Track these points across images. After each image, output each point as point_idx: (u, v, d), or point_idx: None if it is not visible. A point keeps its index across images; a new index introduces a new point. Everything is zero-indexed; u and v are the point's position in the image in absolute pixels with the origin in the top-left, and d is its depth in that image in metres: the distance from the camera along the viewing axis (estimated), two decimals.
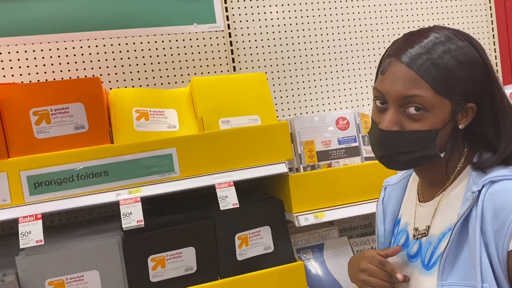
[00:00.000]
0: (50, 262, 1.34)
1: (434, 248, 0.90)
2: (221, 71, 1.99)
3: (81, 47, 1.83)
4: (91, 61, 1.84)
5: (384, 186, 1.13)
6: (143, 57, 1.90)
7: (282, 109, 2.08)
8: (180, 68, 1.95)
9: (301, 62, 2.10)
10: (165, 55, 1.93)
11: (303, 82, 2.10)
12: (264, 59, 2.05)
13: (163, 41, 1.92)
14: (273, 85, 2.06)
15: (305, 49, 2.10)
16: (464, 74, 0.82)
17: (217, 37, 1.99)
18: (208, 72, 1.98)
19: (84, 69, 1.84)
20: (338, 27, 2.15)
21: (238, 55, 2.02)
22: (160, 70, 1.93)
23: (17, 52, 1.76)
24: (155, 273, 1.45)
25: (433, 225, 0.93)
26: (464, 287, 0.81)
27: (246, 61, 2.03)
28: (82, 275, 1.37)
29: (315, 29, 2.12)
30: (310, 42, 2.11)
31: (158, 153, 1.43)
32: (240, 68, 2.02)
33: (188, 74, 1.95)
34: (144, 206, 1.39)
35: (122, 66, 1.88)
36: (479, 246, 0.79)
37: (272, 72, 2.06)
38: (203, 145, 1.47)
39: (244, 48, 2.03)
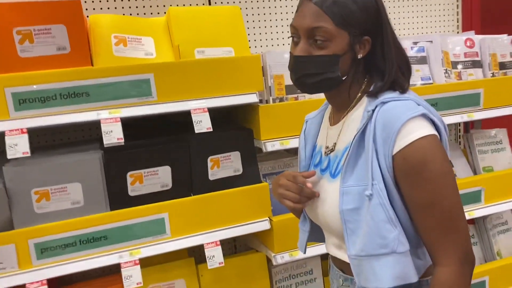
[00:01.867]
0: (36, 173, 1.45)
1: (339, 160, 1.07)
2: (196, 4, 2.05)
3: None
4: None
5: (305, 120, 1.28)
6: None
7: (256, 44, 2.17)
8: None
9: (276, 0, 2.17)
10: None
11: (279, 17, 2.18)
12: None
13: None
14: (248, 21, 2.13)
15: None
16: (359, 12, 0.99)
17: None
18: (184, 4, 2.03)
19: None
20: None
21: None
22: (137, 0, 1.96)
23: None
24: (133, 187, 1.58)
25: (339, 142, 1.10)
26: (360, 186, 0.98)
27: None
28: (65, 186, 1.49)
29: None
30: None
31: (136, 78, 1.52)
32: (215, 2, 2.08)
33: (164, 6, 1.99)
34: (125, 132, 1.49)
35: None
36: (371, 152, 0.97)
37: (247, 8, 2.12)
38: (179, 73, 1.56)
39: None
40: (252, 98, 1.68)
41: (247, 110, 1.81)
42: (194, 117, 1.55)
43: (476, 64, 2.11)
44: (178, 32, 1.66)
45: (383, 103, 0.99)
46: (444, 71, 2.05)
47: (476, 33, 2.33)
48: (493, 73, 2.12)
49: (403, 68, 1.06)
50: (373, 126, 0.98)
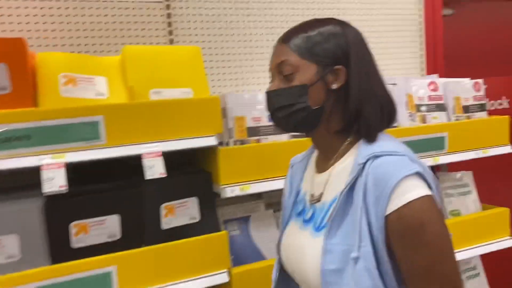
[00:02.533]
0: None
1: (325, 213, 1.00)
2: (158, 43, 1.98)
3: (9, 8, 1.75)
4: (19, 23, 1.77)
5: (291, 164, 1.23)
6: (76, 22, 1.85)
7: (218, 84, 2.11)
8: (115, 36, 1.91)
9: (240, 41, 2.13)
10: (99, 22, 1.89)
11: (238, 58, 2.14)
12: (203, 34, 2.06)
13: (98, 8, 1.88)
14: (211, 60, 2.08)
15: (244, 27, 2.13)
16: (324, 42, 0.98)
17: (154, 8, 1.97)
18: (144, 43, 1.96)
19: (12, 30, 1.76)
20: (280, 2, 2.20)
21: (176, 28, 2.01)
22: (93, 37, 1.88)
23: None
24: (77, 239, 1.45)
25: (326, 192, 1.02)
26: (345, 245, 0.90)
27: (184, 35, 2.03)
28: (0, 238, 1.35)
29: (258, 2, 2.15)
30: (249, 21, 2.14)
31: (84, 120, 1.41)
32: (178, 42, 2.02)
33: (123, 44, 1.92)
34: (71, 176, 1.38)
35: (53, 30, 1.82)
36: (360, 211, 0.90)
37: (210, 48, 2.07)
38: (131, 114, 1.47)
39: (182, 21, 2.02)
40: (211, 141, 1.60)
41: (206, 153, 1.72)
42: (146, 162, 1.45)
43: (440, 107, 2.10)
44: (133, 72, 1.58)
45: (376, 157, 0.92)
46: (409, 114, 2.02)
47: (440, 76, 2.34)
48: (457, 117, 2.11)
49: (384, 107, 1.01)
50: (363, 181, 0.91)
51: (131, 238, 1.53)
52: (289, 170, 1.23)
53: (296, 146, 1.73)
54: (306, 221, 1.06)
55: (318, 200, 1.04)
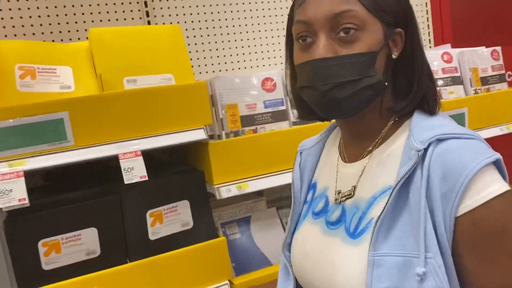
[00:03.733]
0: None
1: (363, 213, 0.77)
2: (134, 25, 1.74)
3: None
4: None
5: (299, 151, 0.99)
6: (37, 7, 1.61)
7: (200, 70, 1.87)
8: (84, 22, 1.67)
9: (226, 19, 1.89)
10: (65, 6, 1.64)
11: (225, 39, 1.90)
12: (184, 14, 1.82)
13: None
14: (195, 43, 1.84)
15: (230, 4, 1.89)
16: None
17: None
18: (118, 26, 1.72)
19: None
20: None
21: (154, 8, 1.77)
22: (59, 24, 1.64)
23: None
24: (48, 259, 1.23)
25: (361, 187, 0.80)
26: (400, 257, 0.68)
27: (163, 15, 1.79)
28: None
29: None
30: None
31: (45, 118, 1.18)
32: (156, 23, 1.78)
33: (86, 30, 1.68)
34: (41, 184, 1.16)
35: (12, 18, 1.58)
36: (424, 212, 0.67)
37: (193, 29, 1.83)
38: (103, 109, 1.24)
39: (160, 0, 1.78)
40: (199, 135, 1.37)
41: (196, 149, 1.50)
42: (123, 164, 1.22)
43: (456, 81, 1.88)
44: (101, 58, 1.34)
45: (440, 140, 0.70)
46: None
47: (452, 46, 2.11)
48: (475, 90, 1.88)
49: (430, 82, 0.80)
50: (425, 174, 0.69)
51: (113, 254, 1.31)
52: (297, 157, 0.98)
53: (298, 135, 1.51)
54: (333, 224, 0.82)
55: (349, 196, 0.81)
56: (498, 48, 1.97)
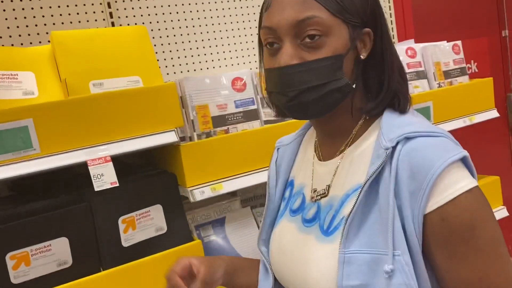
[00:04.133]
0: None
1: (336, 211, 0.78)
2: (97, 27, 1.70)
3: None
4: None
5: (276, 147, 1.00)
6: None
7: (168, 71, 1.84)
8: (45, 24, 1.61)
9: (186, 18, 1.87)
10: (23, 9, 1.58)
11: (193, 39, 1.88)
12: (149, 14, 1.79)
13: None
14: (162, 44, 1.81)
15: (196, 3, 1.87)
16: None
17: None
18: (81, 29, 1.67)
19: None
20: None
21: (117, 9, 1.73)
22: (18, 27, 1.58)
23: None
24: (17, 273, 1.18)
25: (335, 185, 0.81)
26: (369, 254, 0.70)
27: (127, 16, 1.75)
28: None
29: None
30: None
31: (9, 126, 1.13)
32: (121, 24, 1.74)
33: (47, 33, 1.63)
34: (7, 194, 1.11)
35: None
36: (392, 210, 0.68)
37: (159, 29, 1.80)
38: (69, 114, 1.20)
39: (123, 1, 1.74)
40: (170, 137, 1.35)
41: (167, 152, 1.47)
42: (92, 170, 1.19)
43: (421, 75, 1.92)
44: (65, 62, 1.30)
45: (408, 138, 0.71)
46: None
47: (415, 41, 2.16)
48: (439, 84, 1.94)
49: (401, 79, 0.80)
50: (393, 170, 0.70)
51: (86, 263, 1.27)
52: (274, 153, 1.00)
53: (270, 134, 1.51)
54: (308, 221, 0.83)
55: (324, 195, 0.82)
56: (459, 42, 2.03)
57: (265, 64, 0.80)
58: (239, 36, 1.97)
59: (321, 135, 0.88)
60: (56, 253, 1.22)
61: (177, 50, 1.84)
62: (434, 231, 0.68)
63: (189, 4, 1.86)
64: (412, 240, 0.68)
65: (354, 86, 0.77)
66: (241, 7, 1.97)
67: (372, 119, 0.81)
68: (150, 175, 1.44)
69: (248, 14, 1.99)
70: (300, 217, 0.86)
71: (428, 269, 0.70)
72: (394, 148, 0.71)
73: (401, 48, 1.91)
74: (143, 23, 1.77)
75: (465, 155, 0.70)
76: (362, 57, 0.77)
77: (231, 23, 1.95)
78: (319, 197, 0.83)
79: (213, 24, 1.91)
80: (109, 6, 1.70)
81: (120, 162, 1.34)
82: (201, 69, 1.90)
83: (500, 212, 2.00)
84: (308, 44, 0.73)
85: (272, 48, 0.76)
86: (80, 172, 1.40)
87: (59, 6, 1.63)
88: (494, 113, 1.99)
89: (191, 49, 1.87)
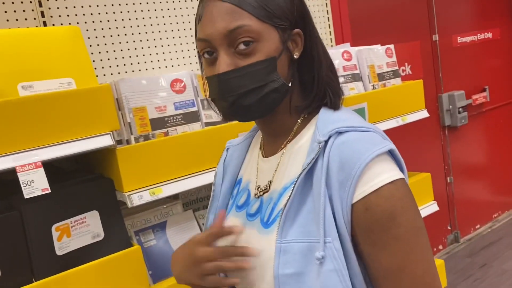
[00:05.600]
0: None
1: (274, 204, 0.82)
2: (28, 27, 1.62)
3: None
4: None
5: (226, 147, 1.04)
6: None
7: (104, 73, 1.79)
8: None
9: (123, 18, 1.83)
10: None
11: (129, 39, 1.84)
12: (84, 14, 1.73)
13: None
14: (97, 45, 1.76)
15: (133, 3, 1.83)
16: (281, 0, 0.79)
17: None
18: (10, 28, 1.59)
19: None
20: None
21: (49, 8, 1.66)
22: None
23: None
24: None
25: (275, 180, 0.85)
26: (305, 243, 0.73)
27: (60, 16, 1.68)
28: None
29: None
30: None
31: None
32: (53, 24, 1.67)
33: None
34: None
35: None
36: (323, 199, 0.72)
37: (94, 29, 1.75)
38: None
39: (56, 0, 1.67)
40: (106, 141, 1.31)
41: (103, 155, 1.43)
42: (22, 177, 1.13)
43: (356, 77, 2.00)
44: None
45: (339, 133, 0.75)
46: None
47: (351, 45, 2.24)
48: (373, 86, 2.02)
49: (331, 74, 0.85)
50: (325, 163, 0.74)
51: (17, 274, 1.21)
52: (223, 153, 1.04)
53: (211, 136, 1.51)
54: (251, 215, 0.87)
55: (266, 190, 0.86)
56: (391, 46, 2.13)
57: (205, 72, 0.84)
58: (179, 37, 1.95)
59: (265, 134, 0.92)
60: None
61: (114, 51, 1.79)
62: (359, 220, 0.71)
63: (126, 4, 1.82)
64: (341, 228, 0.72)
65: (290, 85, 0.81)
66: (180, 8, 1.95)
67: (309, 116, 0.85)
68: (85, 180, 1.40)
69: (188, 14, 1.97)
70: (244, 212, 0.89)
71: (358, 258, 0.74)
72: (326, 142, 0.75)
73: (337, 51, 1.97)
74: (77, 22, 1.71)
75: (392, 148, 0.75)
76: (295, 56, 0.82)
77: (170, 23, 1.93)
78: (261, 192, 0.87)
79: (151, 25, 1.88)
80: (40, 5, 1.63)
81: (52, 167, 1.29)
82: (139, 70, 1.86)
83: (431, 207, 2.12)
84: (241, 51, 0.76)
85: (210, 57, 0.79)
86: (8, 178, 1.33)
87: None
88: (424, 113, 2.10)
89: (128, 49, 1.83)
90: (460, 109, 3.64)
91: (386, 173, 0.72)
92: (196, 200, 1.88)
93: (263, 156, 0.91)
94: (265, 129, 0.90)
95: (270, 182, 0.86)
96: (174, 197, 1.74)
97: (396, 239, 0.70)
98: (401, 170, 0.77)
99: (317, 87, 0.82)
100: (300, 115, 0.85)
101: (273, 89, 0.78)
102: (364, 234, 0.72)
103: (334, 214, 0.72)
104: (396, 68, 2.14)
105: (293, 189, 0.76)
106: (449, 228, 3.80)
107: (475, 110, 3.90)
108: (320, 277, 0.70)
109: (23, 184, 1.13)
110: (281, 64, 0.79)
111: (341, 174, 0.72)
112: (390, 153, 0.76)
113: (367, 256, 0.73)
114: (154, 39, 1.89)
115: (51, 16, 1.66)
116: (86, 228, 1.32)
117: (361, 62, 2.02)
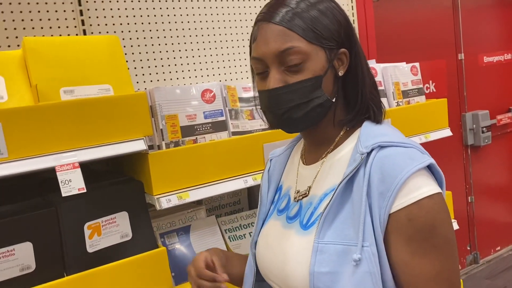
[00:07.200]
0: None
1: (314, 208, 0.89)
2: (69, 35, 1.71)
3: None
4: None
5: (269, 158, 1.13)
6: None
7: (139, 80, 1.87)
8: (15, 29, 1.62)
9: (164, 30, 1.91)
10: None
11: (164, 49, 1.91)
12: (121, 23, 1.81)
13: None
14: (133, 53, 1.84)
15: (168, 15, 1.91)
16: (328, 22, 0.86)
17: None
18: (52, 35, 1.68)
19: None
20: None
21: (89, 17, 1.75)
22: None
23: None
24: None
25: (315, 186, 0.92)
26: (341, 245, 0.80)
27: (99, 24, 1.77)
28: None
29: None
30: (174, 8, 1.93)
31: None
32: (92, 32, 1.76)
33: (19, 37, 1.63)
34: None
35: None
36: (364, 207, 0.78)
37: (131, 38, 1.83)
38: (39, 120, 1.21)
39: (96, 9, 1.76)
40: (139, 145, 1.37)
41: (135, 159, 1.50)
42: (60, 176, 1.20)
43: (381, 94, 2.02)
44: (37, 68, 1.31)
45: (381, 147, 0.82)
46: None
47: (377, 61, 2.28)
48: (397, 102, 2.05)
49: (374, 91, 0.92)
50: (366, 173, 0.80)
51: (50, 268, 1.27)
52: (267, 164, 1.13)
53: (237, 145, 1.57)
54: (291, 218, 0.94)
55: (305, 195, 0.93)
56: (417, 64, 2.15)
57: (257, 86, 0.92)
58: (210, 48, 2.02)
59: (308, 143, 0.99)
60: (19, 257, 1.22)
61: (148, 60, 1.87)
62: (401, 229, 0.77)
63: (161, 15, 1.90)
64: (377, 234, 0.78)
65: (334, 100, 0.89)
66: (213, 21, 2.02)
67: (352, 129, 0.93)
68: (117, 182, 1.46)
69: (219, 28, 2.04)
70: (285, 216, 0.96)
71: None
72: (369, 154, 0.82)
73: None
74: (114, 31, 1.79)
75: (431, 163, 0.81)
76: (340, 74, 0.89)
77: (202, 35, 2.00)
78: (301, 197, 0.94)
79: (184, 36, 1.95)
80: (81, 14, 1.72)
81: (86, 168, 1.35)
82: (171, 79, 1.93)
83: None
84: (291, 69, 0.85)
85: (263, 73, 0.88)
86: (48, 176, 1.40)
87: (30, 11, 1.64)
88: (447, 132, 2.12)
89: (161, 59, 1.90)
90: (484, 129, 3.62)
91: (425, 187, 0.78)
92: (219, 207, 1.93)
93: (304, 164, 0.98)
94: (309, 139, 0.98)
95: (310, 187, 0.93)
96: (198, 202, 1.80)
97: (435, 248, 0.76)
98: (440, 182, 0.83)
99: (360, 102, 0.89)
100: (342, 127, 0.92)
101: (318, 104, 0.85)
102: (404, 242, 0.77)
103: (372, 221, 0.78)
104: (421, 86, 2.16)
105: (333, 196, 0.82)
106: (468, 248, 3.76)
107: (499, 131, 3.87)
108: (354, 278, 0.76)
109: (61, 183, 1.20)
110: (326, 81, 0.86)
111: (382, 185, 0.78)
112: (429, 167, 0.82)
113: (403, 263, 0.78)
114: (186, 50, 1.96)
115: (91, 25, 1.75)
116: (115, 228, 1.38)
117: (386, 79, 2.06)
